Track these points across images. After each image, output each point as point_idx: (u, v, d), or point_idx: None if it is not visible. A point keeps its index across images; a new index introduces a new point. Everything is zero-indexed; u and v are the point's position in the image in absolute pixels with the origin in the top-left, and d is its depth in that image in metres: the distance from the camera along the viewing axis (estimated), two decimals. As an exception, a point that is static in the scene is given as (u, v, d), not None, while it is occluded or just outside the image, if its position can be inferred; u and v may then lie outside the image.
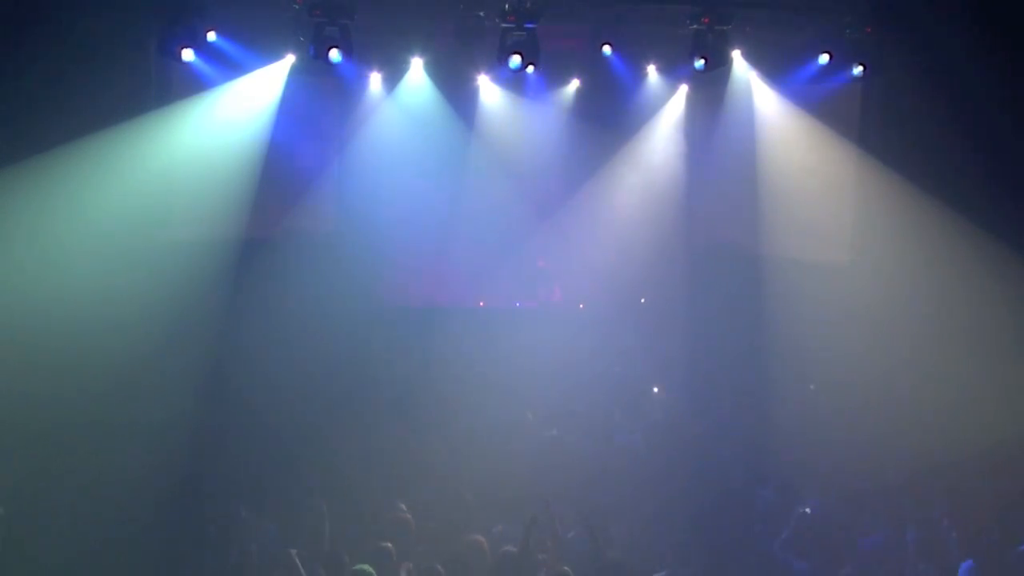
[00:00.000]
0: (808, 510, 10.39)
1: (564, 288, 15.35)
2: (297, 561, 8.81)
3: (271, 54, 12.98)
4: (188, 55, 11.88)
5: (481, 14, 12.37)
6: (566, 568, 8.88)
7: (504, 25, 12.07)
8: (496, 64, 12.64)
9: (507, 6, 12.02)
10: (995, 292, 11.93)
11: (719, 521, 10.60)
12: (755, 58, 13.27)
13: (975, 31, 11.65)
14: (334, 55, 11.91)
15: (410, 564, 8.96)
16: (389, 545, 9.22)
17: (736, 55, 13.08)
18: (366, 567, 8.73)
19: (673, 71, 13.78)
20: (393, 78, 13.88)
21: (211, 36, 12.17)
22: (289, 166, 13.66)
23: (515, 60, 12.05)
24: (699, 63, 12.34)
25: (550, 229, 14.99)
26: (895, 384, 12.22)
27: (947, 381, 11.87)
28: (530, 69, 12.26)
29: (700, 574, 9.80)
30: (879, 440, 11.69)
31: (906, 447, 11.47)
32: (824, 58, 12.65)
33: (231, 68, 12.71)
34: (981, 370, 11.83)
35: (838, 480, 11.33)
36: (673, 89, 14.23)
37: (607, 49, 12.91)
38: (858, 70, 12.58)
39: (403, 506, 10.37)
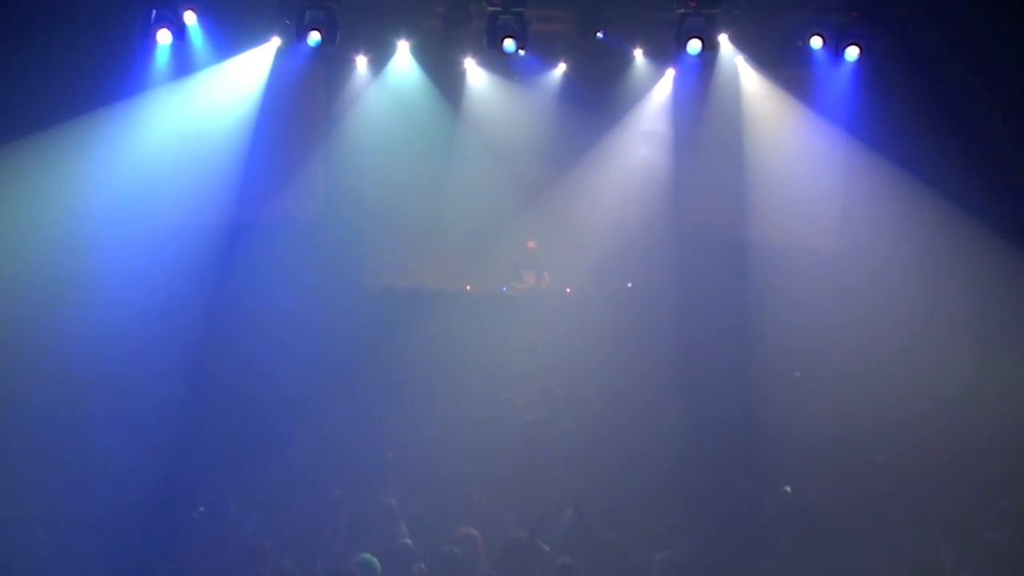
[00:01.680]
0: (788, 489, 10.42)
1: (551, 272, 15.35)
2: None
3: (257, 37, 12.90)
4: (165, 37, 11.67)
5: (468, -3, 12.32)
6: (567, 559, 8.88)
7: (491, 8, 11.99)
8: (483, 47, 12.57)
9: (494, -11, 11.95)
10: (983, 278, 11.96)
11: (706, 504, 10.64)
12: (742, 42, 13.23)
13: (963, 16, 11.66)
14: (313, 38, 11.76)
15: (422, 564, 8.91)
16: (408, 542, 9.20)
17: (723, 39, 13.03)
18: (370, 557, 8.70)
19: (660, 55, 13.75)
20: (379, 61, 13.83)
21: (191, 19, 12.02)
22: (275, 150, 13.60)
23: (509, 44, 11.93)
24: (694, 47, 12.10)
25: (537, 213, 14.98)
26: (881, 370, 12.24)
27: (934, 367, 11.90)
28: (521, 52, 12.21)
29: (691, 555, 9.83)
30: (865, 426, 11.73)
31: (892, 434, 11.51)
32: (817, 42, 12.47)
33: (217, 51, 12.62)
34: (969, 356, 11.87)
35: (823, 466, 11.36)
36: (660, 73, 14.20)
37: (595, 34, 12.90)
38: (853, 53, 12.31)
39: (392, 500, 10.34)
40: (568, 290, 15.26)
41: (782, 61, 13.32)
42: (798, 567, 9.36)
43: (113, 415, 11.18)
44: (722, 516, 10.35)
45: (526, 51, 12.35)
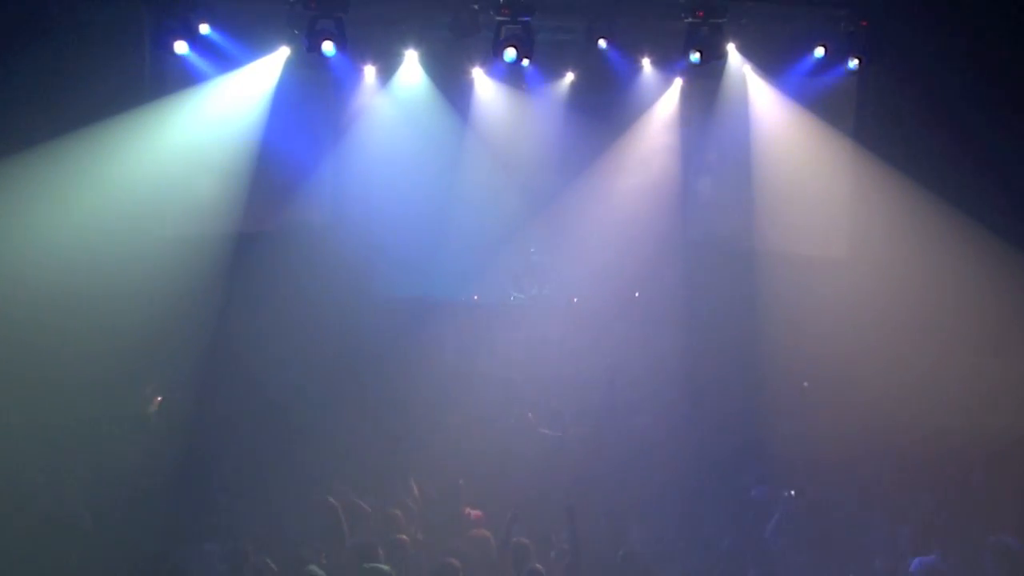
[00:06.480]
0: (792, 493, 10.41)
1: (558, 282, 15.35)
2: None
3: (265, 47, 12.96)
4: (181, 47, 11.82)
5: (475, 7, 12.36)
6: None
7: (498, 18, 12.05)
8: (490, 57, 12.62)
9: (501, -1, 12.00)
10: (991, 286, 11.94)
11: (718, 514, 10.63)
12: (750, 51, 13.24)
13: (971, 26, 11.66)
14: (327, 48, 11.87)
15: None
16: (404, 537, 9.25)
17: (731, 48, 13.05)
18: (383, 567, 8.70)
19: (668, 64, 13.77)
20: (387, 71, 13.88)
21: (204, 29, 12.13)
22: (283, 159, 13.63)
23: (510, 53, 12.03)
24: (695, 57, 12.23)
25: (544, 223, 14.98)
26: (890, 378, 12.22)
27: (944, 375, 11.88)
28: (525, 62, 12.28)
29: (703, 566, 9.83)
30: (874, 435, 11.71)
31: (901, 441, 11.49)
32: (820, 51, 12.59)
33: (225, 61, 12.69)
34: (977, 364, 11.85)
35: (831, 473, 11.34)
36: (668, 82, 14.22)
37: (602, 43, 12.95)
38: (854, 63, 12.51)
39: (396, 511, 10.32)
40: (575, 299, 15.25)
41: (790, 70, 13.32)
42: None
43: (120, 421, 11.21)
44: (733, 526, 10.33)
45: (534, 60, 12.41)
